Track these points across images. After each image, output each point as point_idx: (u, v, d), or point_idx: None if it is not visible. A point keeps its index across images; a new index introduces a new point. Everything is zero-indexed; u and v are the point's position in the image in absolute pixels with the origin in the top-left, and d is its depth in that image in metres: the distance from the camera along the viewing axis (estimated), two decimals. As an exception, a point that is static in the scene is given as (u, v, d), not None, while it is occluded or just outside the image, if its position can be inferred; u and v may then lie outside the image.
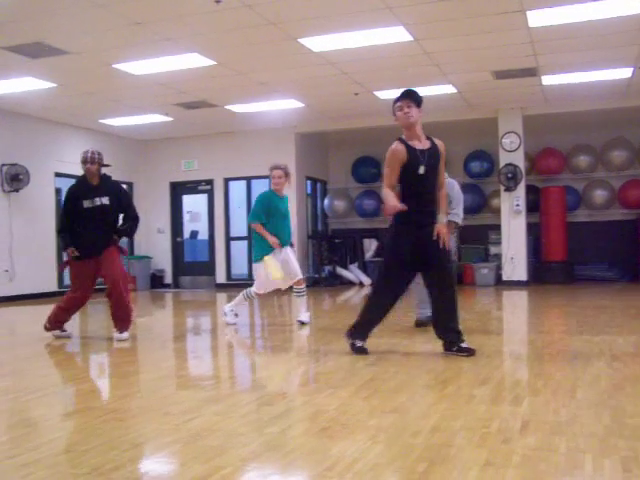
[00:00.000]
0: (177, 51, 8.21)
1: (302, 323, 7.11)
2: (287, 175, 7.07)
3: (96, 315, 8.65)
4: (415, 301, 6.61)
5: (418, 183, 4.81)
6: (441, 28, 7.62)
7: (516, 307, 9.67)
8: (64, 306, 6.41)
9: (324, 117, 12.71)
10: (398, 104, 4.86)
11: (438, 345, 5.06)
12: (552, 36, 7.94)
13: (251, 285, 7.14)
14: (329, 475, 2.50)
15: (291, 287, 7.17)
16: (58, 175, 12.28)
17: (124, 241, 7.08)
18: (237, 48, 8.19)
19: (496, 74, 9.70)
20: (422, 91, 10.90)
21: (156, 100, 10.89)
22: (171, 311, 10.46)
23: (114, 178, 6.52)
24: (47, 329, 6.53)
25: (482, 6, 6.97)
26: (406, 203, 4.70)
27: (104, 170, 6.35)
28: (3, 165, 11.24)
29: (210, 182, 14.34)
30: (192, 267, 14.75)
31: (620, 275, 12.79)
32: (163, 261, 14.69)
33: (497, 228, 12.78)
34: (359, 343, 5.07)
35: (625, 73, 9.78)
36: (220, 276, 14.24)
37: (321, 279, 13.76)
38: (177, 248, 14.79)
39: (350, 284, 13.74)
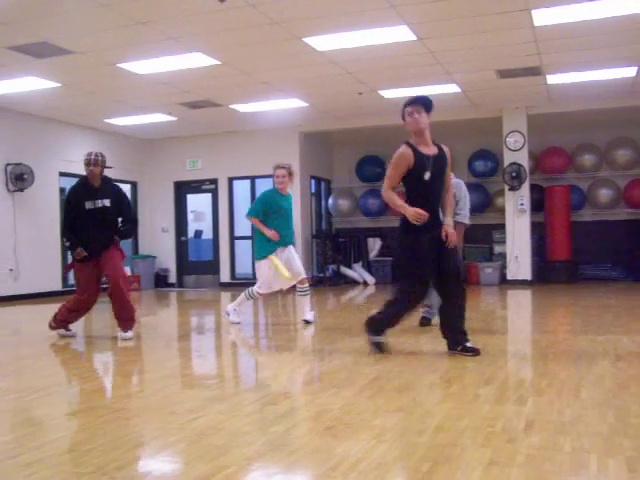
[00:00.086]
0: (181, 50, 8.22)
1: (307, 322, 7.11)
2: (291, 174, 7.08)
3: (100, 314, 8.67)
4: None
5: (424, 188, 4.84)
6: (445, 27, 7.60)
7: (520, 306, 9.65)
8: (70, 307, 6.43)
9: (328, 116, 12.71)
10: (408, 109, 4.85)
11: (443, 344, 5.06)
12: (557, 35, 7.91)
13: (255, 284, 7.14)
14: (333, 474, 2.50)
15: (294, 286, 7.17)
16: (62, 175, 12.29)
17: (124, 242, 7.10)
18: (241, 47, 8.19)
19: (500, 73, 9.68)
20: (426, 90, 10.96)
21: (160, 99, 10.89)
22: (175, 310, 10.47)
23: (119, 178, 6.55)
24: (52, 328, 6.55)
25: (486, 5, 6.95)
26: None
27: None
28: (7, 165, 11.26)
29: (214, 181, 14.35)
30: (196, 266, 14.76)
31: (625, 274, 12.75)
32: (167, 260, 14.70)
33: (501, 227, 12.76)
34: (378, 339, 5.09)
35: (630, 72, 9.75)
36: (224, 275, 14.25)
37: (325, 278, 13.76)
38: (181, 247, 14.80)
39: (354, 283, 13.74)
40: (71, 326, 6.59)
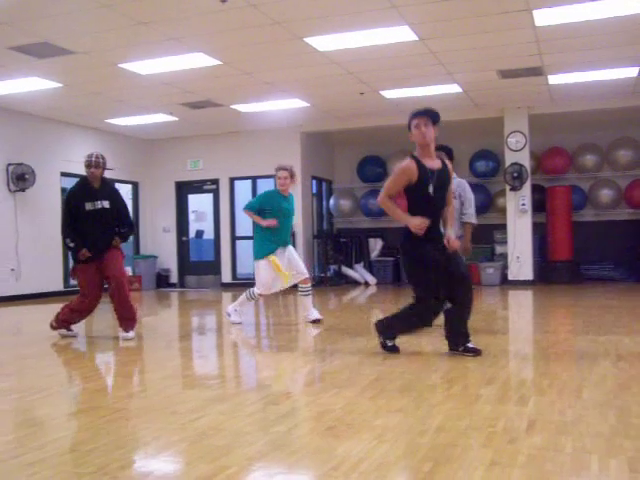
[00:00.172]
0: (182, 51, 8.22)
1: (316, 321, 7.12)
2: (293, 176, 7.10)
3: (102, 314, 8.66)
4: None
5: (426, 201, 4.84)
6: (447, 27, 7.60)
7: (522, 307, 9.64)
8: (73, 307, 6.43)
9: (330, 116, 12.71)
10: (415, 121, 4.81)
11: (444, 345, 5.06)
12: (558, 35, 7.91)
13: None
14: (335, 474, 2.50)
15: (295, 286, 7.17)
16: (64, 175, 12.30)
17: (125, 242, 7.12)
18: (242, 48, 8.19)
19: (502, 73, 9.68)
20: (427, 90, 10.94)
21: (161, 100, 10.90)
22: (176, 310, 10.47)
23: (120, 178, 6.56)
24: (53, 327, 6.55)
25: (488, 5, 6.95)
26: None
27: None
28: (9, 165, 11.28)
29: (216, 182, 14.35)
30: (198, 266, 14.77)
31: (626, 275, 12.73)
32: (169, 260, 14.71)
33: (503, 227, 12.75)
34: (390, 342, 5.12)
35: (632, 72, 9.74)
36: (226, 275, 14.26)
37: (326, 278, 13.76)
38: (183, 247, 14.81)
39: (355, 284, 13.73)
40: (72, 326, 6.59)
